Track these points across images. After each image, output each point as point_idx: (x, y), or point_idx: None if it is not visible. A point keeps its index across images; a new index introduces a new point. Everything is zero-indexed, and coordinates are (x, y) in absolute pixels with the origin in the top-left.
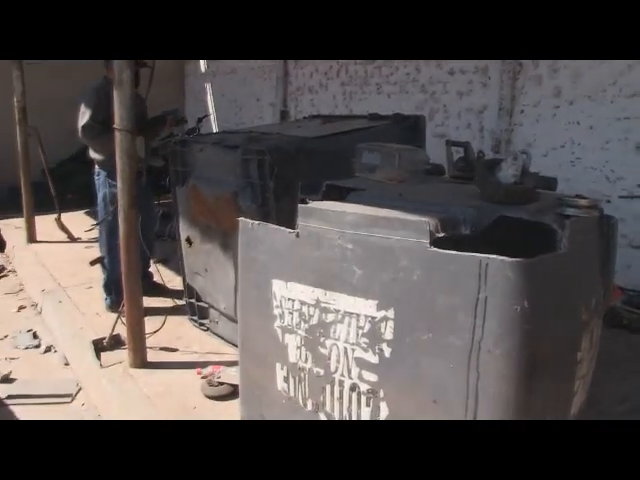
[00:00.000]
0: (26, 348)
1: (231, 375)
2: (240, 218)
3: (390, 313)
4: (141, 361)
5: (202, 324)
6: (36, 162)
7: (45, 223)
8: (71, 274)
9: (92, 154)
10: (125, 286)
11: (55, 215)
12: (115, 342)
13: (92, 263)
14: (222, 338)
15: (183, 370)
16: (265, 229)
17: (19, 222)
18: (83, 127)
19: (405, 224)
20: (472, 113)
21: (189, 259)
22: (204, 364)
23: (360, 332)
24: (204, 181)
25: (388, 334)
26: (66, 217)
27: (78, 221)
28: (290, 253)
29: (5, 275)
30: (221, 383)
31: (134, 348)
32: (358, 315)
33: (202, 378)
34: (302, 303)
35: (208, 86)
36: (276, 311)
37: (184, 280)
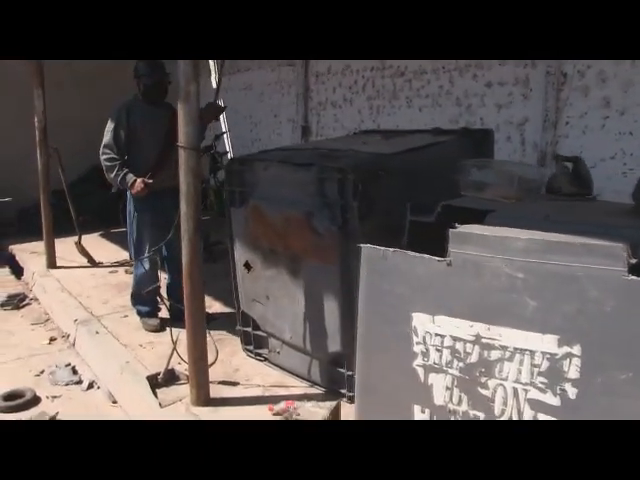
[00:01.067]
0: (67, 384)
1: (311, 411)
2: (363, 245)
3: (576, 349)
4: (204, 398)
5: (259, 354)
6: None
7: (63, 247)
8: (102, 302)
9: None
10: (187, 318)
11: (75, 238)
12: (170, 377)
13: (148, 292)
14: (284, 369)
15: (251, 406)
16: (403, 257)
17: (34, 246)
18: (105, 167)
19: (591, 249)
20: (512, 126)
21: (246, 285)
22: (273, 399)
23: (536, 371)
24: (269, 201)
25: (573, 373)
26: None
27: (95, 244)
28: (439, 284)
29: (27, 304)
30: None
31: (197, 384)
32: (532, 352)
33: (275, 415)
34: (455, 339)
35: (220, 102)
36: (417, 348)
37: (238, 308)
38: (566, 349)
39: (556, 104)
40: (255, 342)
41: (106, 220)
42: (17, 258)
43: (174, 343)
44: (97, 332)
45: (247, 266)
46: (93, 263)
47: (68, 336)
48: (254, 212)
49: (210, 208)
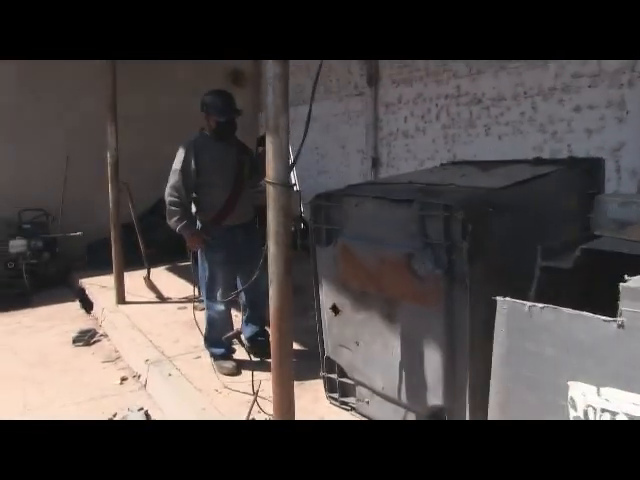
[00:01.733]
0: None
1: None
2: (500, 297)
3: None
4: None
5: (344, 403)
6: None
7: (131, 281)
8: (173, 340)
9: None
10: (275, 368)
11: (143, 272)
12: None
13: (227, 339)
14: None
15: None
16: (556, 315)
17: (104, 280)
18: (167, 210)
19: None
20: (604, 152)
21: (333, 330)
22: None
23: None
24: (361, 240)
25: None
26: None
27: (162, 278)
28: (606, 348)
29: (98, 340)
30: None
31: None
32: None
33: None
34: (632, 418)
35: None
36: None
37: (322, 353)
38: None
39: None
40: (340, 390)
41: (173, 253)
42: (87, 292)
43: (255, 394)
44: (170, 374)
45: (335, 309)
46: (161, 298)
47: (139, 376)
48: (343, 251)
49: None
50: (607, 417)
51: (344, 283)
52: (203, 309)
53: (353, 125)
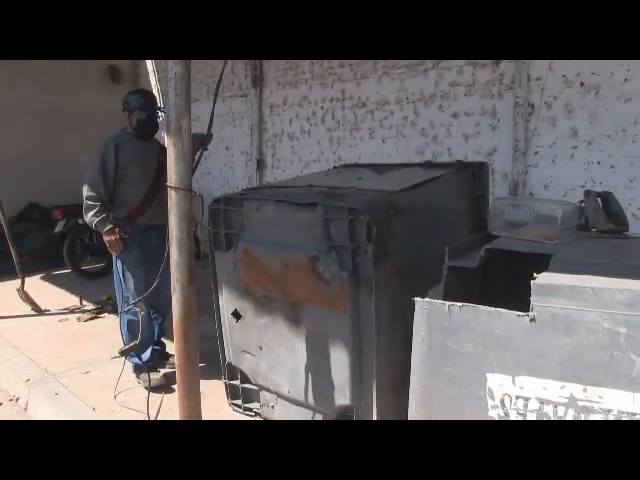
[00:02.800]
0: None
1: None
2: (418, 298)
3: None
4: None
5: (248, 409)
6: None
7: (2, 293)
8: (56, 356)
9: None
10: (180, 380)
11: (15, 283)
12: None
13: (123, 352)
14: None
15: None
16: (474, 313)
17: None
18: (84, 205)
19: None
20: (481, 156)
21: (235, 336)
22: None
23: None
24: (263, 245)
25: None
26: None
27: (38, 288)
28: (520, 341)
29: None
30: None
31: None
32: None
33: None
34: (543, 402)
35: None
36: (493, 412)
37: (223, 360)
38: None
39: (525, 134)
40: (244, 396)
41: (48, 261)
42: None
43: (157, 411)
44: (56, 393)
45: (236, 315)
46: (39, 311)
47: (17, 399)
48: (245, 256)
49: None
50: (521, 403)
51: (246, 288)
52: (90, 318)
53: (237, 126)
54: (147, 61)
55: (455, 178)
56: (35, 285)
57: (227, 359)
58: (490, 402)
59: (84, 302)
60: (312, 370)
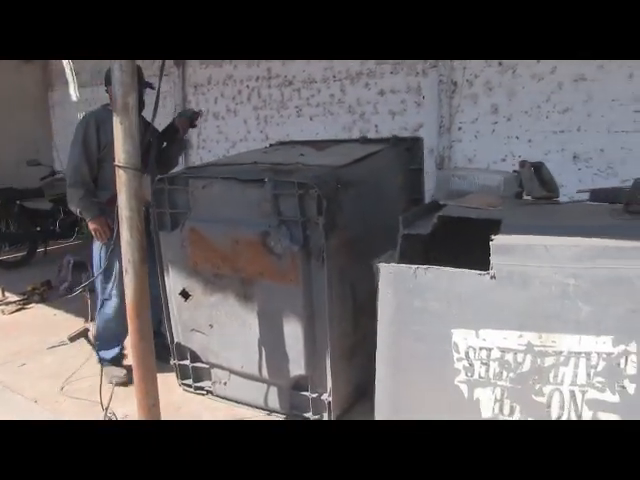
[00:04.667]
0: None
1: None
2: (383, 263)
3: (632, 347)
4: None
5: (199, 388)
6: None
7: None
8: None
9: None
10: (136, 362)
11: None
12: None
13: (73, 338)
14: (232, 400)
15: None
16: (437, 273)
17: None
18: (68, 191)
19: None
20: (407, 132)
21: (183, 315)
22: None
23: (592, 372)
24: (211, 223)
25: (630, 369)
26: None
27: None
28: (481, 297)
29: None
30: None
31: None
32: (588, 354)
33: None
34: (504, 350)
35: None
36: (459, 364)
37: (171, 340)
38: (622, 347)
39: (449, 111)
40: (194, 375)
41: None
42: None
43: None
44: None
45: (184, 294)
46: None
47: None
48: (192, 235)
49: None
50: (484, 354)
51: (194, 267)
52: (16, 310)
53: (160, 106)
54: None
55: (391, 153)
56: None
57: (175, 339)
58: (456, 355)
59: (6, 293)
60: (265, 344)
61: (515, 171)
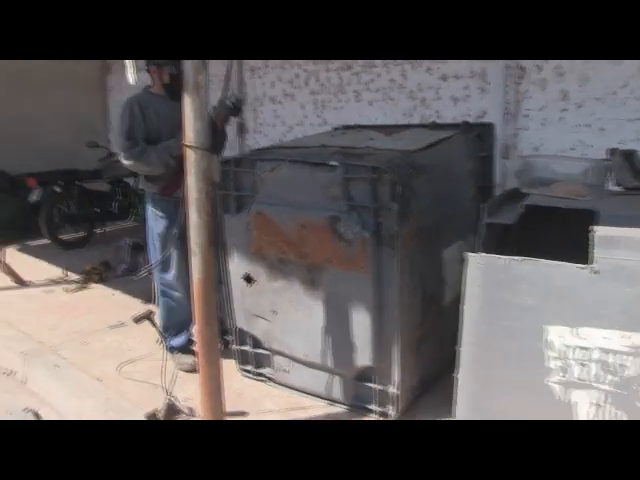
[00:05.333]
0: None
1: None
2: (472, 254)
3: None
4: None
5: (260, 374)
6: None
7: None
8: (49, 328)
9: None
10: (201, 345)
11: None
12: (171, 412)
13: (137, 320)
14: (294, 389)
15: None
16: (534, 266)
17: None
18: (122, 155)
19: None
20: (470, 119)
21: (246, 300)
22: None
23: None
24: (278, 207)
25: None
26: None
27: (16, 260)
28: (581, 293)
29: None
30: None
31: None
32: None
33: None
34: (607, 352)
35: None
36: (552, 363)
37: (233, 325)
38: None
39: (515, 97)
40: (255, 361)
41: (20, 232)
42: None
43: (172, 380)
44: (56, 365)
45: (248, 279)
46: (21, 283)
47: (14, 373)
48: (258, 219)
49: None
50: (582, 354)
51: (259, 251)
52: (77, 289)
53: (217, 90)
54: None
55: (461, 139)
56: (12, 257)
57: (237, 324)
58: (549, 353)
59: (68, 273)
60: (331, 333)
61: (604, 159)
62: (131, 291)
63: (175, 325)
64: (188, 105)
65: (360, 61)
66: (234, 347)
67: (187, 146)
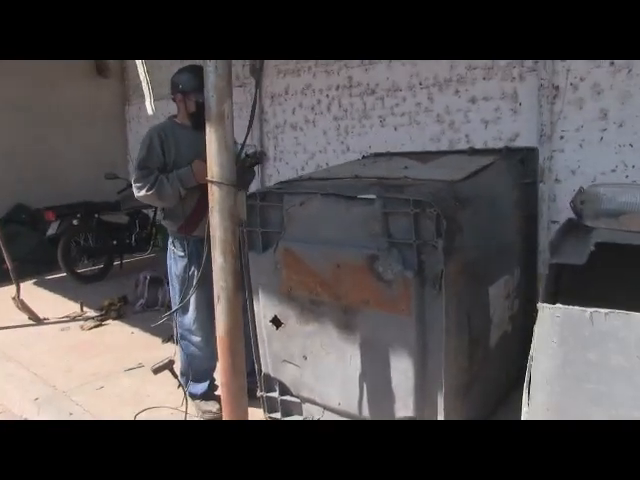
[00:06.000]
0: None
1: None
2: (547, 305)
3: None
4: None
5: None
6: None
7: None
8: (64, 370)
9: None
10: (226, 399)
11: (8, 290)
12: None
13: (157, 371)
14: None
15: None
16: (625, 319)
17: None
18: (135, 186)
19: None
20: (501, 142)
21: (274, 345)
22: None
23: None
24: (309, 244)
25: None
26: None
27: (33, 295)
28: None
29: None
30: None
31: None
32: None
33: None
34: None
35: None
36: None
37: (259, 371)
38: None
39: (550, 118)
40: (283, 410)
41: (38, 265)
42: None
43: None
44: (70, 413)
45: (276, 322)
46: (37, 320)
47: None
48: (286, 257)
49: (155, 244)
50: None
51: (288, 292)
52: (94, 326)
53: (236, 118)
54: None
55: (503, 165)
56: (28, 292)
57: (264, 370)
58: None
59: (85, 308)
60: (368, 380)
61: None
62: (150, 329)
63: (196, 371)
64: (211, 136)
65: (383, 84)
66: (260, 394)
67: (211, 182)
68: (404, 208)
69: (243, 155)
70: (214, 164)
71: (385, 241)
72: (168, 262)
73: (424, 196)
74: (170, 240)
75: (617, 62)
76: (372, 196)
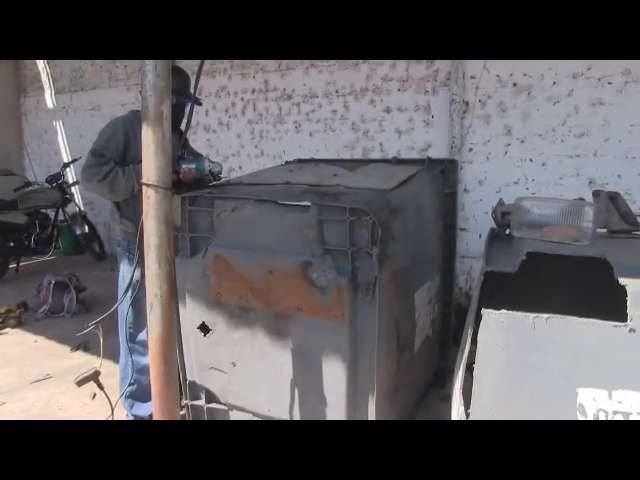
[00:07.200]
0: None
1: None
2: (492, 310)
3: None
4: None
5: None
6: None
7: None
8: None
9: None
10: (158, 409)
11: None
12: None
13: (81, 382)
14: None
15: None
16: (565, 324)
17: None
18: (82, 175)
19: None
20: (414, 152)
21: (201, 352)
22: None
23: None
24: (240, 250)
25: None
26: None
27: None
28: (618, 353)
29: None
30: None
31: None
32: None
33: None
34: None
35: (59, 125)
36: None
37: (184, 379)
38: None
39: (460, 131)
40: (208, 417)
41: None
42: None
43: None
44: None
45: (204, 329)
46: None
47: None
48: (216, 263)
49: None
50: (620, 419)
51: (217, 299)
52: None
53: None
54: None
55: (427, 175)
56: None
57: (189, 377)
58: (581, 418)
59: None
60: (299, 386)
61: (576, 200)
62: (56, 337)
63: (144, 389)
64: (149, 137)
65: (300, 90)
66: (185, 402)
67: (147, 185)
68: (340, 216)
69: (207, 171)
70: (151, 167)
71: (319, 248)
72: (122, 268)
73: (360, 204)
74: (125, 244)
75: (519, 83)
76: (308, 203)
